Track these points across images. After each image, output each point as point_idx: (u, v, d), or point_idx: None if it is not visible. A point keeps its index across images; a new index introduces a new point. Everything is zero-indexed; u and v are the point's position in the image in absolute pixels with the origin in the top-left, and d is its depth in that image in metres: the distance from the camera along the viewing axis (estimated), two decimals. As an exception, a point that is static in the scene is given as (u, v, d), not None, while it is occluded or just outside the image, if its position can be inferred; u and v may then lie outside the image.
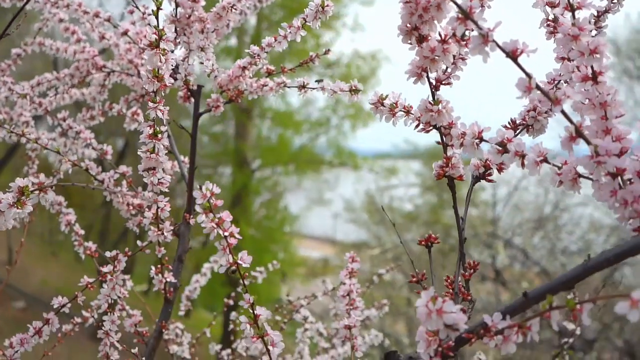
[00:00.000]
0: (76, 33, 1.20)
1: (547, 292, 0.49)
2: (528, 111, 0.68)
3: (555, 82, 0.68)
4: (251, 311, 0.64)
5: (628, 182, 0.51)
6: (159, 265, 0.95)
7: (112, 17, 1.09)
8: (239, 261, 0.63)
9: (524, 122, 0.68)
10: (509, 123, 0.69)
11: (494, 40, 0.50)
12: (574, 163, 0.54)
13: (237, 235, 0.63)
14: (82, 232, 1.10)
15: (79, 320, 1.12)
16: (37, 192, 0.66)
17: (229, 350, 1.35)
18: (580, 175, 0.54)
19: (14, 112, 1.30)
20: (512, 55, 0.51)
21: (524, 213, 7.43)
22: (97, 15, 1.09)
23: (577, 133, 0.52)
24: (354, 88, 0.82)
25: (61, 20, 1.19)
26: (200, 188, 0.61)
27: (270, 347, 0.64)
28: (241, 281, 0.65)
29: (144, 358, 0.93)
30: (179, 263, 1.01)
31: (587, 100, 0.55)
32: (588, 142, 0.51)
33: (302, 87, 0.95)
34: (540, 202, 7.60)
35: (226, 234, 0.62)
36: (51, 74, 1.23)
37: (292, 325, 1.38)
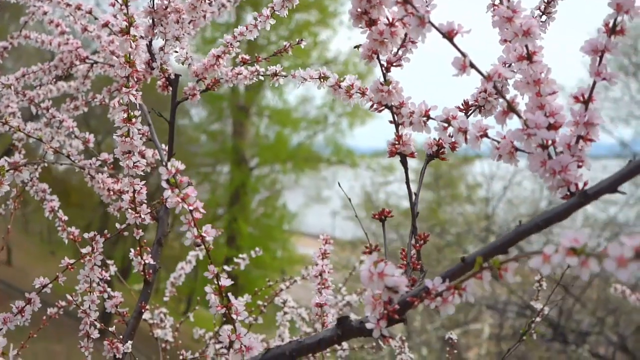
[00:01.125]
0: (60, 26, 1.24)
1: (482, 255, 0.53)
2: (479, 92, 0.71)
3: (506, 65, 0.72)
4: (216, 282, 0.68)
5: (560, 154, 0.55)
6: (137, 248, 0.99)
7: (93, 10, 1.13)
8: (203, 234, 0.67)
9: (476, 103, 0.71)
10: (461, 104, 0.72)
11: (430, 22, 0.54)
12: (511, 137, 0.58)
13: (202, 210, 0.66)
14: (66, 218, 1.13)
15: (63, 303, 1.15)
16: (11, 171, 0.69)
17: (211, 334, 1.39)
18: (516, 149, 0.58)
19: (1, 103, 1.33)
20: (448, 36, 0.54)
21: (519, 208, 7.47)
22: (78, 7, 1.13)
23: (509, 108, 0.55)
24: (322, 75, 0.86)
25: (45, 13, 1.22)
26: (166, 165, 0.65)
27: (234, 316, 0.68)
28: (207, 254, 0.68)
29: (121, 336, 0.97)
30: (157, 246, 1.05)
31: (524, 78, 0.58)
32: (519, 116, 0.55)
33: (275, 74, 0.99)
34: (536, 197, 7.64)
35: (191, 208, 0.65)
36: (36, 66, 1.26)
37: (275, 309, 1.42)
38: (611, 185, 0.51)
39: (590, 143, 0.56)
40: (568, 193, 0.54)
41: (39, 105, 1.16)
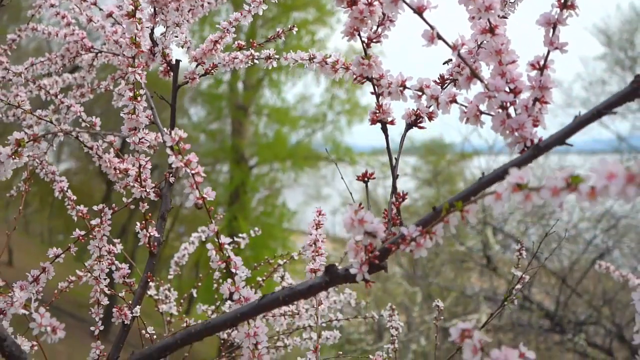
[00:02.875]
0: (66, 17, 1.31)
1: (449, 203, 0.60)
2: (454, 67, 0.79)
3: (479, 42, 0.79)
4: (216, 240, 0.76)
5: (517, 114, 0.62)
6: (143, 221, 1.07)
7: (97, 1, 1.20)
8: (205, 195, 0.74)
9: (451, 77, 0.79)
10: (438, 78, 0.79)
11: (403, 0, 0.61)
12: (475, 101, 0.65)
13: (203, 174, 0.74)
14: (75, 197, 1.21)
15: (73, 278, 1.23)
16: (31, 142, 0.77)
17: (213, 307, 1.46)
18: (481, 112, 0.65)
19: (10, 93, 1.41)
20: (418, 10, 0.62)
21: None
22: (84, -1, 1.20)
23: (472, 74, 0.63)
24: (312, 56, 0.93)
25: (52, 6, 1.29)
26: (170, 134, 0.72)
27: (233, 270, 0.75)
28: (208, 214, 0.76)
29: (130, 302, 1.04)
30: (161, 221, 1.12)
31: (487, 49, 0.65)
32: (482, 81, 0.62)
33: (268, 57, 1.06)
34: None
35: (193, 172, 0.73)
36: (43, 56, 1.33)
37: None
38: (560, 139, 0.58)
39: (546, 105, 0.63)
40: (525, 148, 0.61)
41: (48, 92, 1.24)
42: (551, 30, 0.62)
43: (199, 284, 1.60)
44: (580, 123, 0.57)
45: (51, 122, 1.08)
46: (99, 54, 1.29)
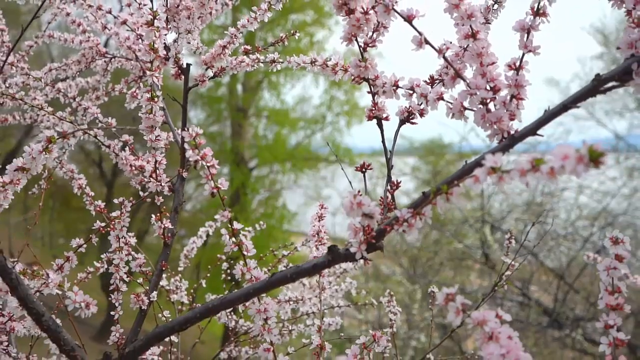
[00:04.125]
0: (81, 25, 1.39)
1: (436, 187, 0.69)
2: (442, 69, 0.87)
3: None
4: (229, 225, 0.84)
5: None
6: (158, 214, 1.15)
7: (112, 9, 1.28)
8: (219, 185, 0.82)
9: (440, 78, 0.87)
10: (428, 78, 0.88)
11: (394, 9, 0.69)
12: (459, 98, 0.73)
13: (217, 166, 0.82)
14: (92, 193, 1.29)
15: (91, 269, 1.31)
16: (61, 139, 0.85)
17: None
18: (465, 108, 0.74)
19: (29, 97, 1.49)
20: (408, 19, 0.70)
21: (515, 200, 7.65)
22: (100, 8, 1.28)
23: (456, 74, 0.71)
24: (313, 60, 1.01)
25: (68, 14, 1.38)
26: (188, 129, 0.80)
27: (245, 253, 0.84)
28: (222, 202, 0.84)
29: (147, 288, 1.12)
30: (175, 214, 1.20)
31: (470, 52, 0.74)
32: (464, 80, 0.71)
33: (273, 61, 1.15)
34: (532, 190, 7.81)
35: (209, 164, 0.81)
36: (60, 62, 1.42)
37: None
38: (532, 130, 0.66)
39: (522, 101, 0.72)
40: (502, 138, 0.70)
41: (66, 95, 1.32)
42: (525, 35, 0.71)
43: (208, 274, 1.68)
44: (549, 116, 0.66)
45: (71, 122, 1.16)
46: (113, 59, 1.37)
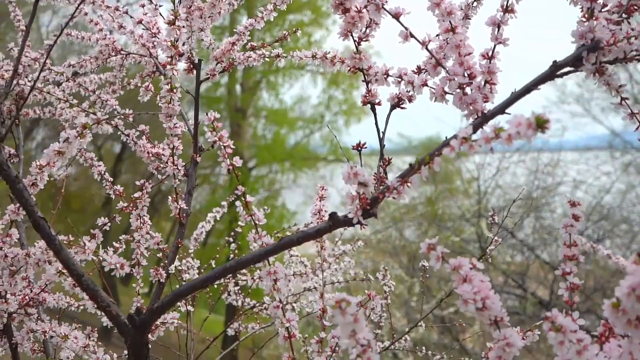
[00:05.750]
0: (98, 24, 1.51)
1: (420, 159, 0.80)
2: (427, 59, 0.99)
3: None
4: (243, 199, 0.96)
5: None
6: (174, 195, 1.27)
7: (128, 10, 1.40)
8: (234, 162, 0.94)
9: (425, 67, 0.99)
10: (416, 68, 1.00)
11: (383, 7, 0.81)
12: (441, 84, 0.85)
13: (232, 146, 0.94)
14: (111, 179, 1.41)
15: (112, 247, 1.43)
16: (95, 124, 0.97)
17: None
18: (445, 92, 0.86)
19: (50, 94, 1.61)
20: (396, 16, 0.82)
21: (511, 194, 7.79)
22: (117, 9, 1.40)
23: (437, 63, 0.83)
24: (314, 54, 1.13)
25: (86, 14, 1.50)
26: (207, 114, 0.92)
27: (256, 222, 0.96)
28: (236, 178, 0.96)
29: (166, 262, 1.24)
30: (188, 196, 1.32)
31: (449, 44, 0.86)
32: (444, 68, 0.83)
33: (277, 56, 1.27)
34: (529, 186, 7.95)
35: (225, 144, 0.93)
36: (79, 57, 1.54)
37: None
38: (501, 109, 0.79)
39: (494, 86, 0.83)
40: (477, 117, 0.82)
41: (86, 89, 1.44)
42: (496, 29, 0.83)
43: (217, 255, 1.80)
44: (515, 97, 0.78)
45: (94, 113, 1.28)
46: (128, 56, 1.49)
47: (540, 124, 0.59)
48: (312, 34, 11.48)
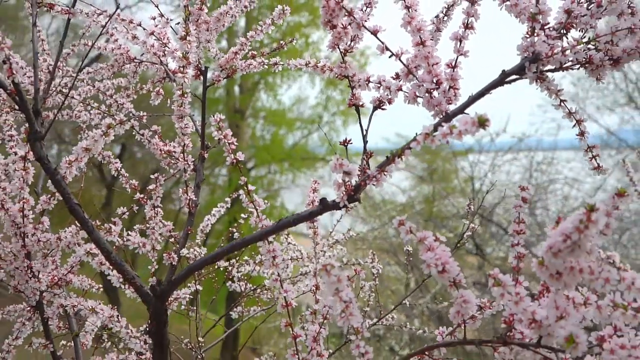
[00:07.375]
0: (113, 35, 1.67)
1: (400, 149, 0.97)
2: (402, 68, 1.15)
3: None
4: (246, 187, 1.12)
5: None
6: (185, 187, 1.43)
7: (142, 23, 1.56)
8: (237, 157, 1.10)
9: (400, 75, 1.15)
10: (394, 74, 1.16)
11: (364, 26, 0.98)
12: (412, 89, 1.02)
13: (235, 143, 1.10)
14: (127, 174, 1.57)
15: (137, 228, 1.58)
16: (118, 124, 1.13)
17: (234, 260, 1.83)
18: (417, 96, 1.02)
19: (69, 98, 1.76)
20: (374, 32, 0.98)
21: (506, 192, 7.96)
22: (131, 21, 1.56)
23: (409, 71, 1.00)
24: (307, 62, 1.29)
25: (103, 26, 1.66)
26: (212, 116, 1.09)
27: (257, 207, 1.12)
28: (240, 171, 1.12)
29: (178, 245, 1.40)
30: (197, 189, 1.48)
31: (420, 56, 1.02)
32: (414, 76, 0.99)
33: (275, 64, 1.43)
34: (524, 183, 8.11)
35: (229, 141, 1.09)
36: (96, 65, 1.70)
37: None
38: (460, 110, 0.95)
39: (458, 90, 1.00)
40: (441, 116, 0.98)
41: (104, 93, 1.60)
42: (458, 42, 0.99)
43: (223, 238, 1.95)
44: (471, 100, 0.94)
45: (112, 115, 1.44)
46: (141, 63, 1.65)
47: (482, 122, 0.75)
48: (309, 35, 11.64)
